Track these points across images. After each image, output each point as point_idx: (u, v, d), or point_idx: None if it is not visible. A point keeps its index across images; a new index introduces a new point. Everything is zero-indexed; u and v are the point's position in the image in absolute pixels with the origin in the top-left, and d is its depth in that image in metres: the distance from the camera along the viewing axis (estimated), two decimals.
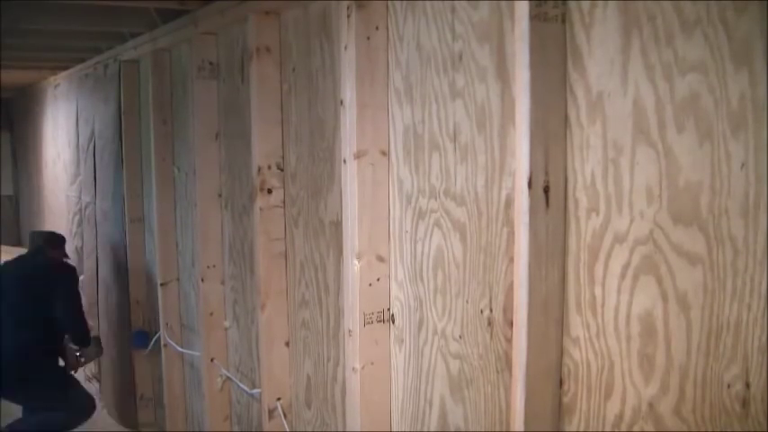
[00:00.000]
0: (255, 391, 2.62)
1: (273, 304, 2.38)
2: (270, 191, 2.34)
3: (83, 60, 4.70)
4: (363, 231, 1.78)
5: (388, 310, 1.82)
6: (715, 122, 1.06)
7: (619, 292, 1.22)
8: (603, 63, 1.22)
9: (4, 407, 3.88)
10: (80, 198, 4.91)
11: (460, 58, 1.52)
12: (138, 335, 3.95)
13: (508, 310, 1.42)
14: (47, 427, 3.59)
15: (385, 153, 1.78)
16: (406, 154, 1.72)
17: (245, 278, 2.71)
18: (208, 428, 3.01)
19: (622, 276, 1.21)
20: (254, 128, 2.34)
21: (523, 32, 1.24)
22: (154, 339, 3.79)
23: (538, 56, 1.24)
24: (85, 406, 3.76)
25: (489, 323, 1.49)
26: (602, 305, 1.25)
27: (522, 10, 1.23)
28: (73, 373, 3.88)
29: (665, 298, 1.15)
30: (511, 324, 1.37)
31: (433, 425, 1.70)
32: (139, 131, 3.84)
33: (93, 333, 4.10)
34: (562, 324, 1.32)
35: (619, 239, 1.21)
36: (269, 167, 2.33)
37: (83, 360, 3.94)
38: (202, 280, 2.92)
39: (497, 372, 1.48)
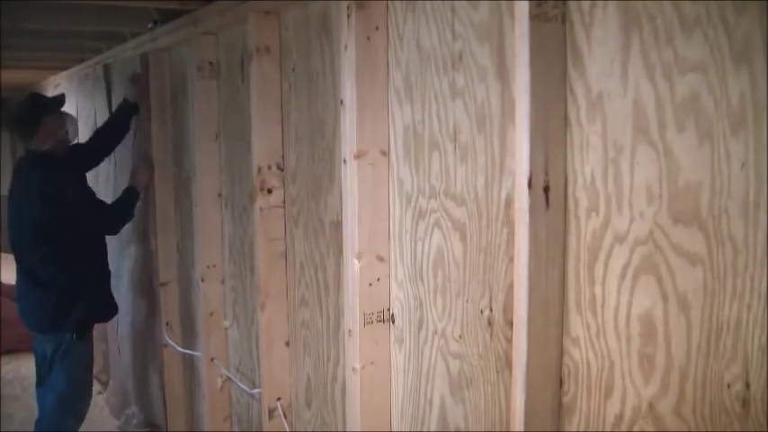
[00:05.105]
0: (255, 391, 2.62)
1: (273, 304, 2.38)
2: (270, 191, 2.34)
3: (83, 60, 4.70)
4: (363, 231, 1.78)
5: (388, 309, 1.82)
6: (715, 122, 1.06)
7: (619, 292, 1.22)
8: (603, 63, 1.22)
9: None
10: None
11: (460, 57, 1.52)
12: None
13: (508, 309, 1.42)
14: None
15: (385, 153, 1.78)
16: (406, 154, 1.72)
17: (245, 278, 2.71)
18: (208, 428, 3.01)
19: (622, 276, 1.21)
20: (254, 128, 2.34)
21: (523, 32, 1.23)
22: None
23: (538, 56, 1.24)
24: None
25: (489, 323, 1.49)
26: (602, 305, 1.25)
27: (522, 10, 1.23)
28: None
29: (665, 298, 1.15)
30: (511, 324, 1.37)
31: (433, 425, 1.70)
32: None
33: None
34: (562, 324, 1.32)
35: (619, 239, 1.21)
36: (269, 167, 2.33)
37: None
38: (202, 280, 2.92)
39: (497, 372, 1.48)
